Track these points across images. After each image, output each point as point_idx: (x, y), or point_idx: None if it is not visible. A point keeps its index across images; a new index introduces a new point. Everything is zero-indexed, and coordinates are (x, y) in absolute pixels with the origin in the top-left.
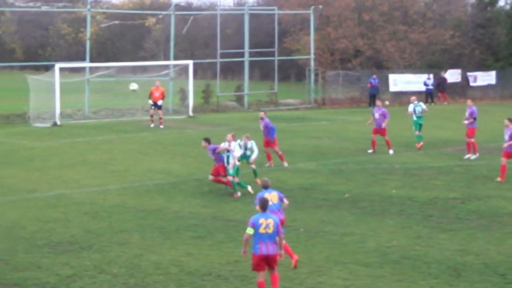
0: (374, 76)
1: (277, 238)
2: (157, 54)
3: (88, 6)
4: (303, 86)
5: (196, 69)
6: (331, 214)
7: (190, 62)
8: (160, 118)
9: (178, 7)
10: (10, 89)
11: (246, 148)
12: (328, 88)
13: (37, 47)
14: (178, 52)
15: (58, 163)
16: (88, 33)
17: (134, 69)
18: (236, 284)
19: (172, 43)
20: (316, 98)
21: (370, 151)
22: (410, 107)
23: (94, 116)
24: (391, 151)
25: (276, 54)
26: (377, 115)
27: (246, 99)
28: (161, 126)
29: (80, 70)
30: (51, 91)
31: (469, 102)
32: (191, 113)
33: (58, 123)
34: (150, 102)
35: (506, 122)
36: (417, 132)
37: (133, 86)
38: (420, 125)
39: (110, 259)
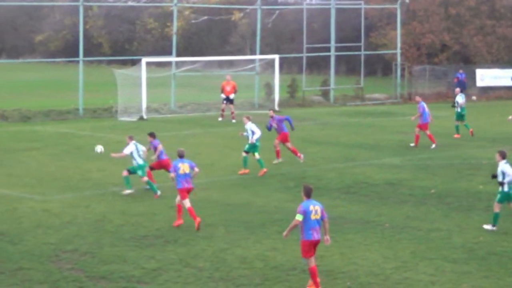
0: (461, 71)
1: (325, 224)
2: (243, 48)
3: (175, 1)
4: (389, 81)
5: (282, 64)
6: (417, 210)
7: (276, 57)
8: (232, 113)
9: (264, 1)
10: (97, 83)
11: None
12: (415, 83)
13: (124, 41)
14: (264, 47)
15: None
16: (174, 28)
17: (220, 64)
18: (321, 278)
19: (258, 38)
20: (402, 93)
21: (412, 144)
22: (460, 98)
23: (180, 110)
24: (412, 144)
25: (362, 48)
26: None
27: (332, 94)
28: (233, 121)
29: (167, 64)
30: (138, 86)
31: None
32: (276, 108)
33: (145, 117)
34: (222, 96)
35: None
36: (457, 122)
37: (98, 149)
38: (463, 116)
39: (195, 253)
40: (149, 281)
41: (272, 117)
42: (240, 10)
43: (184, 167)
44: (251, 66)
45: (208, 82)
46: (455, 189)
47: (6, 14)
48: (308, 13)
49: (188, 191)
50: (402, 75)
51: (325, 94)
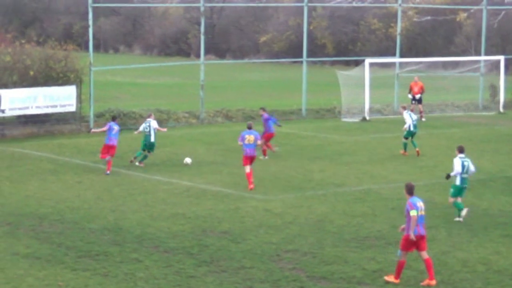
0: None
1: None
2: (468, 49)
3: (399, 1)
4: None
5: (507, 65)
6: None
7: (501, 58)
8: (421, 112)
9: (490, 1)
10: (320, 83)
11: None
12: None
13: (347, 42)
14: (489, 47)
15: (366, 158)
16: (398, 28)
17: (444, 65)
18: None
19: (483, 38)
20: None
21: None
22: None
23: None
24: None
25: None
26: None
27: None
28: (423, 120)
29: (390, 65)
30: (361, 86)
31: None
32: (501, 109)
33: (367, 118)
34: (410, 96)
35: None
36: None
37: (187, 161)
38: None
39: (416, 255)
40: (369, 283)
41: (261, 115)
42: (464, 10)
43: (250, 137)
44: (475, 67)
45: (432, 83)
46: None
47: (232, 15)
48: None
49: (251, 158)
50: None
51: None
